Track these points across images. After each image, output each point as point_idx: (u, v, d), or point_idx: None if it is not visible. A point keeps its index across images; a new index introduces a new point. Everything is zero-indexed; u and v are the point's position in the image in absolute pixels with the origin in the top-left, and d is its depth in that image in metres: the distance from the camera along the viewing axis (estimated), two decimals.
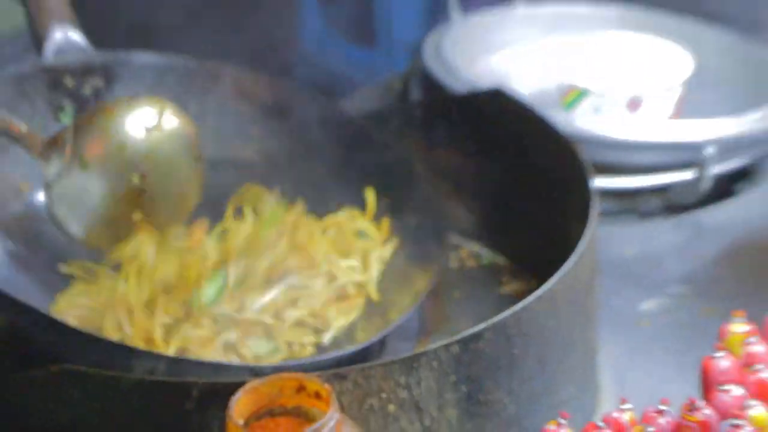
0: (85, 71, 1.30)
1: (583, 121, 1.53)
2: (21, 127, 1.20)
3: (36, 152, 1.20)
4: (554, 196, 1.27)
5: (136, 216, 1.21)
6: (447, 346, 0.98)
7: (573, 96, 1.57)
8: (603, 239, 1.41)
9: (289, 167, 1.34)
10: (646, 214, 1.54)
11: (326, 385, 0.81)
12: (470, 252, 1.38)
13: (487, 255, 1.38)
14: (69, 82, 1.29)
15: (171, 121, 1.22)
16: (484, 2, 1.85)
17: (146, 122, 1.21)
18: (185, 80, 1.35)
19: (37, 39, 1.29)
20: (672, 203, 1.53)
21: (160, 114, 1.22)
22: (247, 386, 0.82)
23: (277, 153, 1.35)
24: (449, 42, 1.69)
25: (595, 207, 1.18)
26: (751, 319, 1.05)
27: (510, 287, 1.35)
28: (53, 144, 1.20)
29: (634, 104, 1.56)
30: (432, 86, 1.64)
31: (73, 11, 1.30)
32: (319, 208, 1.30)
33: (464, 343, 0.98)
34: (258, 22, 3.83)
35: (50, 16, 1.29)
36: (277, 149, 1.35)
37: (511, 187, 1.31)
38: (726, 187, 1.57)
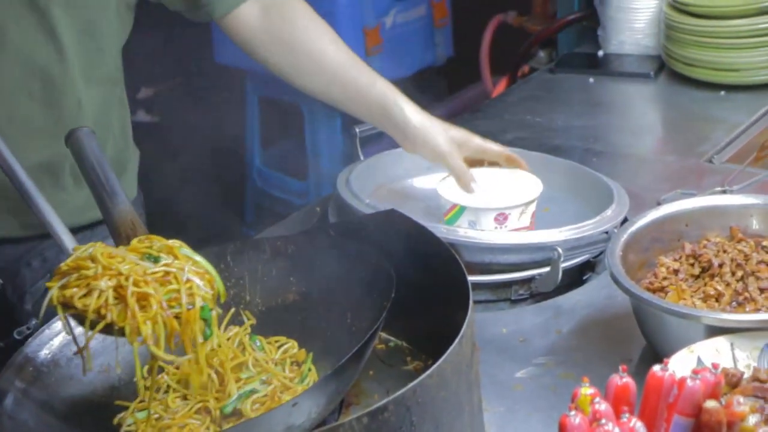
0: None
1: (462, 232, 1.52)
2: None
3: None
4: (441, 292, 1.24)
5: None
6: (359, 418, 0.95)
7: (454, 212, 1.56)
8: (482, 322, 1.40)
9: (319, 295, 1.32)
10: (515, 301, 1.52)
11: None
12: (380, 338, 1.35)
13: (393, 340, 1.35)
14: None
15: None
16: (381, 145, 1.85)
17: None
18: (237, 256, 1.33)
19: None
20: (535, 291, 1.51)
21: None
22: None
23: (310, 288, 1.33)
24: (355, 176, 1.68)
25: (471, 298, 1.15)
26: (601, 379, 1.03)
27: (412, 365, 1.31)
28: None
29: (501, 217, 1.55)
30: (344, 209, 1.62)
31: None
32: (339, 319, 1.29)
33: (372, 414, 0.95)
34: (215, 163, 3.81)
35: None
36: (310, 286, 1.33)
37: (407, 286, 1.28)
38: (576, 276, 1.55)
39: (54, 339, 1.23)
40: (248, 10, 1.60)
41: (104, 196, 1.26)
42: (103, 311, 1.07)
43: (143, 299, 1.08)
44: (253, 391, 1.21)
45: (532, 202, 1.58)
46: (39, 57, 1.43)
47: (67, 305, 1.09)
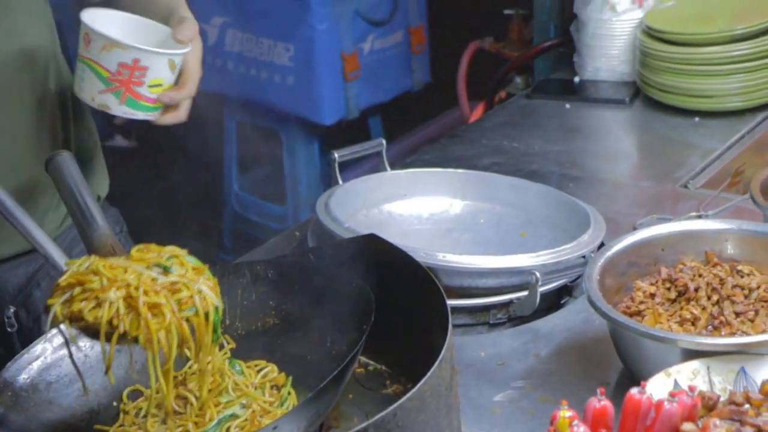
0: None
1: (441, 256, 1.52)
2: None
3: None
4: (420, 316, 1.24)
5: None
6: None
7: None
8: (461, 346, 1.40)
9: (298, 319, 1.32)
10: (493, 325, 1.52)
11: None
12: (360, 361, 1.35)
13: (372, 364, 1.35)
14: None
15: None
16: (366, 168, 1.85)
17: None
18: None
19: None
20: (513, 315, 1.52)
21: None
22: None
23: (290, 312, 1.33)
24: (334, 201, 1.69)
25: (451, 322, 1.15)
26: (580, 402, 1.04)
27: (391, 388, 1.31)
28: None
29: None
30: (323, 234, 1.62)
31: None
32: (320, 343, 1.29)
33: None
34: (192, 189, 3.80)
35: None
36: (289, 309, 1.33)
37: (386, 310, 1.28)
38: (553, 300, 1.56)
39: (33, 363, 1.23)
40: None
41: (83, 222, 1.26)
42: (115, 322, 1.08)
43: (154, 308, 1.09)
44: (233, 416, 1.20)
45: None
46: None
47: (74, 319, 1.09)
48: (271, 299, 1.34)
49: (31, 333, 1.57)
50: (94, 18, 1.35)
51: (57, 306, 1.10)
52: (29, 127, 1.48)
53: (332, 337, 1.28)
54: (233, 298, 1.34)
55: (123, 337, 1.09)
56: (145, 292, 1.09)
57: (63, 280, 1.12)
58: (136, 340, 1.09)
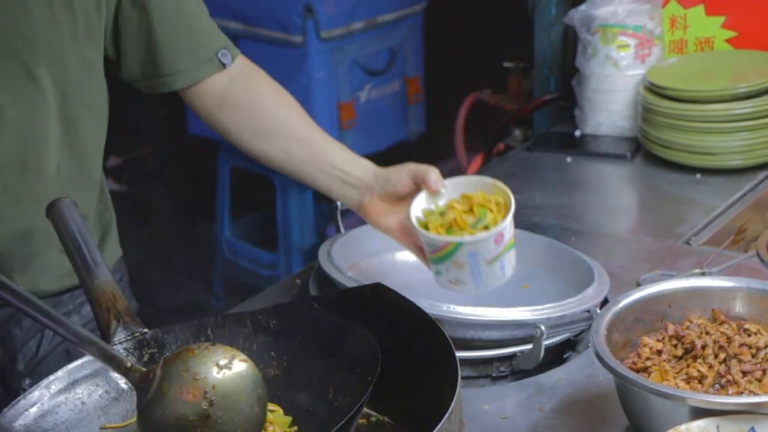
0: (141, 346, 1.27)
1: (445, 307, 1.52)
2: (127, 362, 1.18)
3: (134, 383, 1.17)
4: (426, 367, 1.24)
5: None
6: None
7: (448, 250, 1.45)
8: (464, 399, 1.38)
9: (300, 370, 1.31)
10: (496, 378, 1.52)
11: None
12: (363, 413, 1.34)
13: (375, 415, 1.34)
14: (131, 358, 1.25)
15: (239, 363, 1.18)
16: (358, 218, 1.86)
17: (219, 361, 1.17)
18: (217, 330, 1.32)
19: (101, 331, 1.26)
20: (516, 369, 1.52)
21: (231, 357, 1.18)
22: None
23: (291, 363, 1.32)
24: (337, 249, 1.69)
25: (460, 374, 1.15)
26: None
27: None
28: (146, 377, 1.17)
29: (498, 238, 1.45)
30: (325, 282, 1.62)
31: (128, 307, 1.28)
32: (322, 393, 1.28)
33: None
34: (183, 234, 3.79)
35: (109, 314, 1.26)
36: (291, 359, 1.32)
37: (391, 360, 1.28)
38: (556, 355, 1.56)
39: (30, 409, 1.21)
40: (213, 80, 1.59)
41: (84, 268, 1.27)
42: None
43: None
44: None
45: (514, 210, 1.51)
46: (32, 126, 1.44)
47: None
48: (272, 350, 1.32)
49: (6, 370, 1.55)
50: None
51: None
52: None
53: (335, 387, 1.27)
54: (234, 347, 1.32)
55: None
56: None
57: None
58: None
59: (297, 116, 1.60)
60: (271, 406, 1.28)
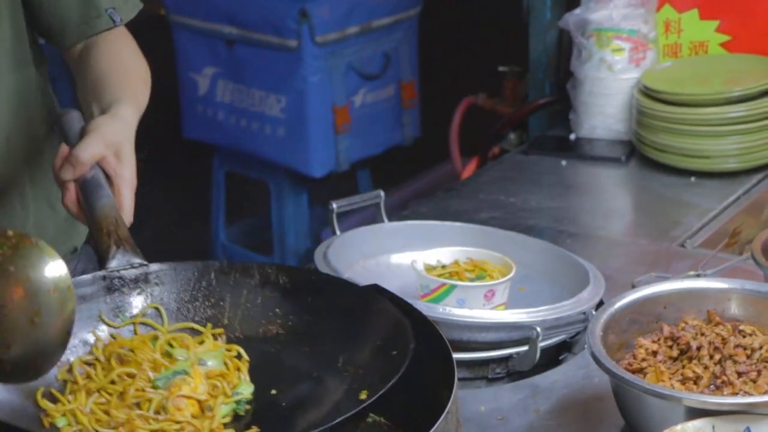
0: (138, 278, 1.23)
1: (441, 308, 1.53)
2: None
3: None
4: (423, 368, 1.24)
5: None
6: None
7: (442, 291, 1.57)
8: (460, 400, 1.39)
9: (306, 334, 1.25)
10: (492, 380, 1.53)
11: None
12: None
13: (371, 416, 1.34)
14: (125, 288, 1.22)
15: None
16: (357, 220, 1.86)
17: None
18: (221, 277, 1.27)
19: (99, 257, 1.23)
20: (512, 370, 1.52)
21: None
22: None
23: (296, 324, 1.26)
24: (333, 251, 1.69)
25: (456, 374, 1.15)
26: None
27: None
28: None
29: (489, 294, 1.56)
30: None
31: (128, 232, 1.24)
32: (329, 360, 1.22)
33: None
34: (178, 238, 3.80)
35: (109, 238, 1.23)
36: (296, 321, 1.26)
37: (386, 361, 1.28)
38: (552, 356, 1.56)
39: None
40: (80, 46, 1.58)
41: (87, 188, 1.24)
42: None
43: None
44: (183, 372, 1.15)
45: (511, 277, 1.60)
46: None
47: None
48: (278, 306, 1.27)
49: None
50: None
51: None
52: None
53: (346, 356, 1.21)
54: (236, 297, 1.27)
55: None
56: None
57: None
58: None
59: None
60: (229, 348, 1.21)
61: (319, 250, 1.69)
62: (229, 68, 3.62)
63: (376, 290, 1.31)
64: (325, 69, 3.49)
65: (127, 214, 1.29)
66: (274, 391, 1.20)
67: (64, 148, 1.32)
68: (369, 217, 1.92)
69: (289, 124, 3.51)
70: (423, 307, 1.44)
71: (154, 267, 1.25)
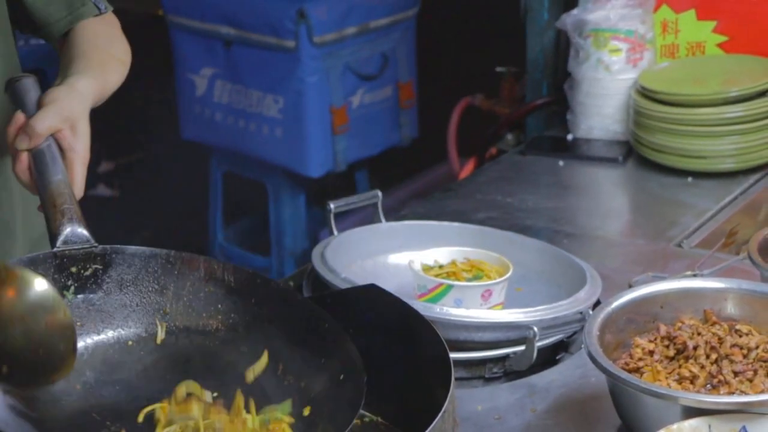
0: (87, 258, 1.23)
1: (438, 308, 1.53)
2: None
3: None
4: (420, 367, 1.24)
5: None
6: None
7: (439, 291, 1.57)
8: (457, 399, 1.39)
9: (247, 334, 1.26)
10: (489, 379, 1.53)
11: None
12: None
13: (368, 415, 1.34)
14: (73, 268, 1.22)
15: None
16: (355, 221, 1.86)
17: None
18: (167, 266, 1.27)
19: (50, 233, 1.23)
20: (509, 370, 1.52)
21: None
22: None
23: (237, 323, 1.27)
24: (330, 251, 1.69)
25: (453, 374, 1.15)
26: None
27: None
28: None
29: (486, 294, 1.57)
30: (319, 284, 1.63)
31: (80, 210, 1.25)
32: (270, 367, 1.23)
33: None
34: (176, 239, 3.80)
35: (62, 216, 1.23)
36: (238, 320, 1.27)
37: (384, 361, 1.28)
38: (549, 356, 1.56)
39: None
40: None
41: (41, 162, 1.25)
42: None
43: None
44: None
45: (508, 277, 1.61)
46: None
47: None
48: (220, 302, 1.28)
49: None
50: None
51: None
52: None
53: (284, 365, 1.22)
54: (180, 288, 1.28)
55: None
56: None
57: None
58: None
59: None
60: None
61: (316, 250, 1.69)
62: (227, 69, 3.62)
63: (373, 289, 1.31)
64: (322, 69, 3.49)
65: (78, 189, 1.30)
66: (215, 394, 1.21)
67: (19, 117, 1.33)
68: (366, 217, 1.93)
69: (287, 125, 3.52)
70: (420, 306, 1.44)
71: (103, 248, 1.25)
